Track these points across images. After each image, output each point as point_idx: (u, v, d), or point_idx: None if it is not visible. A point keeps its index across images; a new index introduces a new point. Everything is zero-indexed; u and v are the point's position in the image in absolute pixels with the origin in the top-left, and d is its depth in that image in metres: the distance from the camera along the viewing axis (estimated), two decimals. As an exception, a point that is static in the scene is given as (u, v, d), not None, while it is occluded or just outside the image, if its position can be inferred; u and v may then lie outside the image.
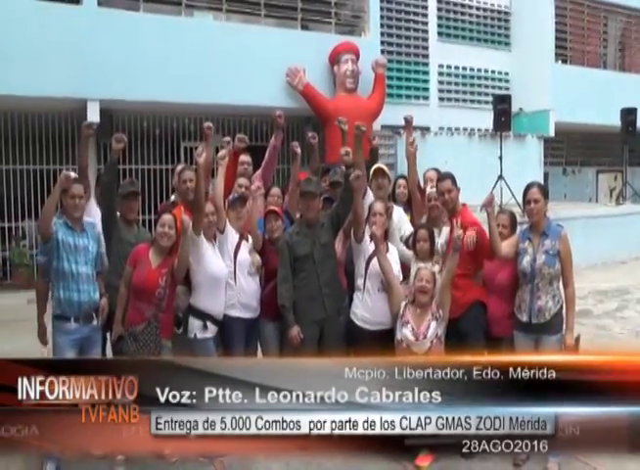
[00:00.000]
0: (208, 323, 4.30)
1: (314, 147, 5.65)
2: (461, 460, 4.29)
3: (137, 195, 4.74)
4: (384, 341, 4.49)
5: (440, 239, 4.66)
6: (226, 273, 4.47)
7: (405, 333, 4.28)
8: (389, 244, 4.78)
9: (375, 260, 4.53)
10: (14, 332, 7.87)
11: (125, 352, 4.13)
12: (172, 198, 5.49)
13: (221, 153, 4.64)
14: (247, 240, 4.74)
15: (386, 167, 5.30)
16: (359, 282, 4.66)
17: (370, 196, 5.01)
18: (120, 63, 9.94)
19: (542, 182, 7.63)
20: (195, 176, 4.39)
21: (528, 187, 4.30)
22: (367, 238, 4.66)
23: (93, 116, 9.98)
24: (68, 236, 4.19)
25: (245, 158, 5.48)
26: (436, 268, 4.47)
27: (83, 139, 5.08)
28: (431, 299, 4.34)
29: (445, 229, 4.70)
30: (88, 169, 5.22)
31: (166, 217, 4.27)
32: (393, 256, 4.70)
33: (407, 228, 5.00)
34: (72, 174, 4.09)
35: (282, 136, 5.86)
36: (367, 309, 4.58)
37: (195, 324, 4.29)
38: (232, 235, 4.64)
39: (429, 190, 5.01)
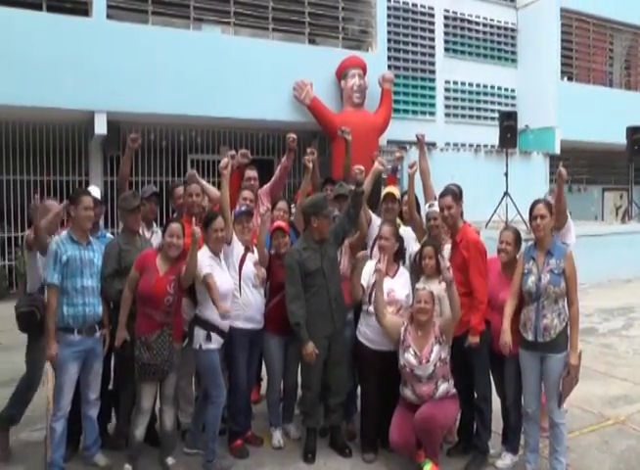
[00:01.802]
0: (213, 334, 4.28)
1: (314, 162, 5.67)
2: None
3: (139, 208, 4.73)
4: (385, 361, 4.49)
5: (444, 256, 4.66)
6: (232, 286, 4.45)
7: (408, 357, 4.27)
8: (401, 266, 4.78)
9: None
10: (19, 340, 7.89)
11: (138, 360, 4.12)
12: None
13: (223, 162, 4.61)
14: (252, 252, 4.75)
15: (396, 191, 5.27)
16: (364, 307, 4.66)
17: (374, 224, 5.01)
18: (128, 75, 10.04)
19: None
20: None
21: (535, 203, 4.29)
22: (371, 266, 4.66)
23: (100, 127, 10.06)
24: (74, 250, 4.19)
25: (251, 173, 5.48)
26: (443, 286, 4.47)
27: (128, 151, 5.24)
28: (431, 318, 4.32)
29: (447, 246, 4.69)
30: (127, 181, 5.35)
31: (175, 227, 4.26)
32: (404, 277, 4.69)
33: (415, 247, 4.98)
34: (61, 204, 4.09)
35: (293, 157, 5.87)
36: (370, 330, 4.58)
37: (200, 334, 4.28)
38: (238, 247, 4.64)
39: (427, 209, 5.00)
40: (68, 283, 4.16)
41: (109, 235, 4.98)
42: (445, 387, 4.28)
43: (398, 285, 4.60)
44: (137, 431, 4.27)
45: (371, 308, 4.55)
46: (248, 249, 4.70)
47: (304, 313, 4.51)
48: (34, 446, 4.74)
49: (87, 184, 9.99)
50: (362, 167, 4.79)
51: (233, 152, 5.25)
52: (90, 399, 4.32)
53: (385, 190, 5.28)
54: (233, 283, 4.49)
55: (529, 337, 4.12)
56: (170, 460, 4.38)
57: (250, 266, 4.65)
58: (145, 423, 4.30)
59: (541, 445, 4.35)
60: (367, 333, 4.58)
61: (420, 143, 5.68)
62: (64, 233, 4.28)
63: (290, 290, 4.54)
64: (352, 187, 4.73)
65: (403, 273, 4.72)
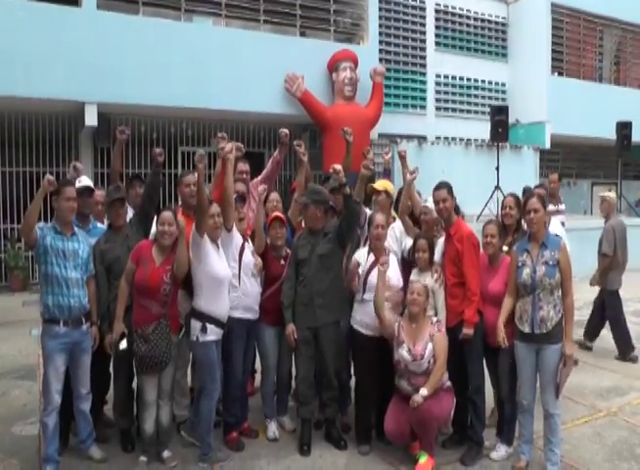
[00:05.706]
0: (210, 325, 4.22)
1: (303, 155, 5.66)
2: (461, 467, 4.34)
3: (124, 201, 4.66)
4: (380, 349, 4.52)
5: (437, 251, 4.66)
6: (229, 275, 4.41)
7: (402, 353, 4.29)
8: (391, 253, 4.77)
9: (372, 276, 4.52)
10: (9, 333, 7.86)
11: (136, 353, 4.11)
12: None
13: (228, 147, 4.49)
14: (248, 242, 4.75)
15: (387, 186, 5.14)
16: (357, 296, 4.68)
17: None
18: (118, 66, 9.94)
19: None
20: (196, 179, 4.35)
21: (528, 197, 4.32)
22: (363, 253, 4.68)
23: (90, 119, 9.97)
24: (57, 241, 4.12)
25: (243, 166, 5.46)
26: (438, 283, 4.52)
27: (117, 144, 5.24)
28: (423, 311, 4.34)
29: (440, 241, 4.70)
30: (119, 173, 5.37)
31: (166, 215, 4.23)
32: (393, 262, 4.68)
33: (409, 242, 4.97)
34: (51, 178, 3.93)
35: (286, 151, 5.85)
36: (365, 315, 4.57)
37: (196, 326, 4.23)
38: (237, 236, 4.64)
39: (422, 204, 4.98)
40: (52, 274, 4.09)
41: (100, 225, 4.89)
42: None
43: (389, 270, 4.59)
44: (146, 425, 4.33)
45: (366, 296, 4.56)
46: (244, 238, 4.70)
47: (292, 295, 4.65)
48: (28, 440, 4.71)
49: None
50: (339, 167, 4.71)
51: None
52: (81, 393, 4.27)
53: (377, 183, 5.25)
54: (230, 272, 4.44)
55: (526, 329, 4.13)
56: (166, 453, 4.37)
57: (248, 256, 4.66)
58: (152, 416, 4.33)
59: (535, 436, 4.38)
60: (363, 320, 4.58)
61: (402, 159, 5.54)
62: (49, 223, 4.23)
63: (287, 270, 4.74)
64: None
65: (392, 259, 4.70)
